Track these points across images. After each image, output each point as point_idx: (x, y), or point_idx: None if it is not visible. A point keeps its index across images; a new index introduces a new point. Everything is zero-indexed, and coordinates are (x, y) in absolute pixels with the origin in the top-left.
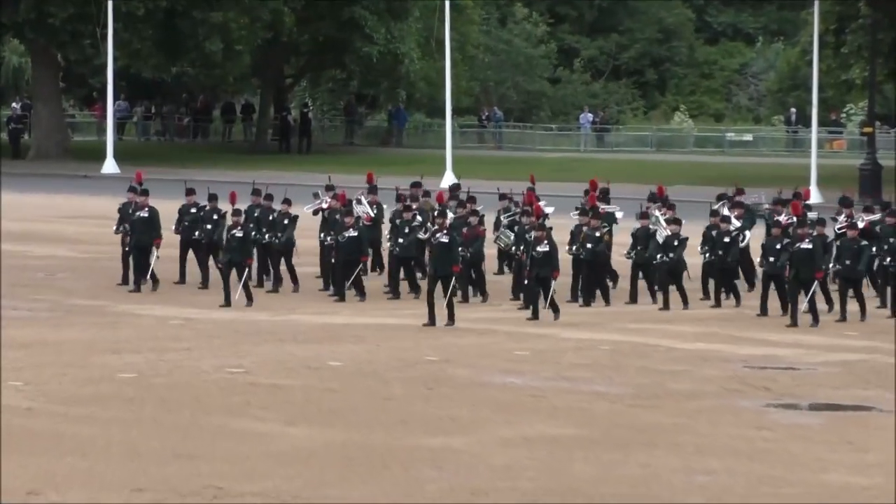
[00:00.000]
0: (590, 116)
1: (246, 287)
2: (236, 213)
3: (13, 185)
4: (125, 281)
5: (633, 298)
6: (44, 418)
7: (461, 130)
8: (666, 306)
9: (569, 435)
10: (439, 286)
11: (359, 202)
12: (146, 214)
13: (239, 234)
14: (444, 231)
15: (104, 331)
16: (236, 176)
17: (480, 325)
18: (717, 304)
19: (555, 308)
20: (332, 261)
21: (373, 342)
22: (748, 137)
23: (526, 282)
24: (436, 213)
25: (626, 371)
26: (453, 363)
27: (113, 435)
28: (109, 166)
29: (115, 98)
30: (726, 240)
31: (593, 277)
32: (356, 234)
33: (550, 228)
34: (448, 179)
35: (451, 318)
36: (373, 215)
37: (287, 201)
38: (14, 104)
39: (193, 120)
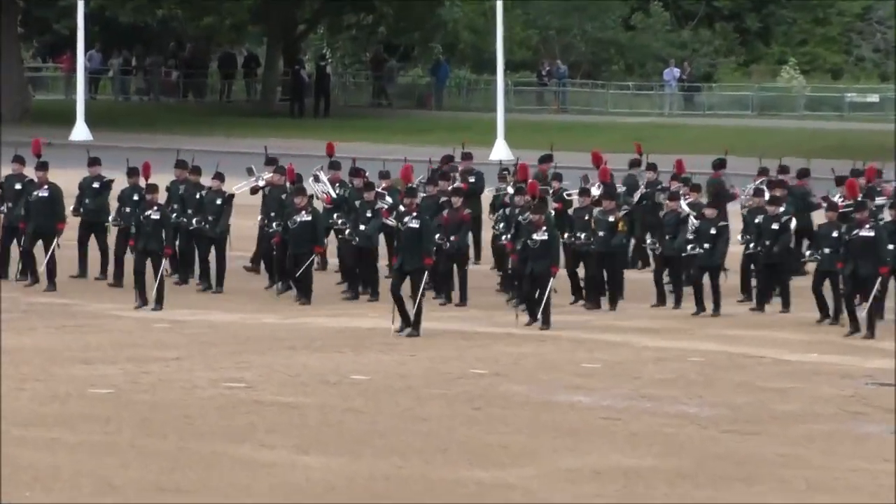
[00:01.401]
0: (676, 72)
1: (160, 284)
2: (151, 189)
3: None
4: (2, 274)
5: (662, 299)
6: None
7: (515, 89)
8: (700, 307)
9: (649, 467)
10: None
11: (317, 179)
12: (46, 194)
13: (155, 216)
14: (414, 214)
15: (71, 336)
16: (238, 144)
17: (538, 331)
18: (760, 307)
19: (546, 317)
20: (274, 252)
21: (406, 351)
22: (873, 98)
23: (507, 275)
24: (403, 193)
25: (721, 388)
26: (506, 377)
27: (82, 464)
28: (80, 132)
29: (87, 48)
30: (774, 226)
31: (602, 274)
32: (310, 218)
33: (551, 213)
34: (500, 150)
35: (416, 324)
36: (334, 196)
37: (219, 176)
38: None
39: (184, 75)
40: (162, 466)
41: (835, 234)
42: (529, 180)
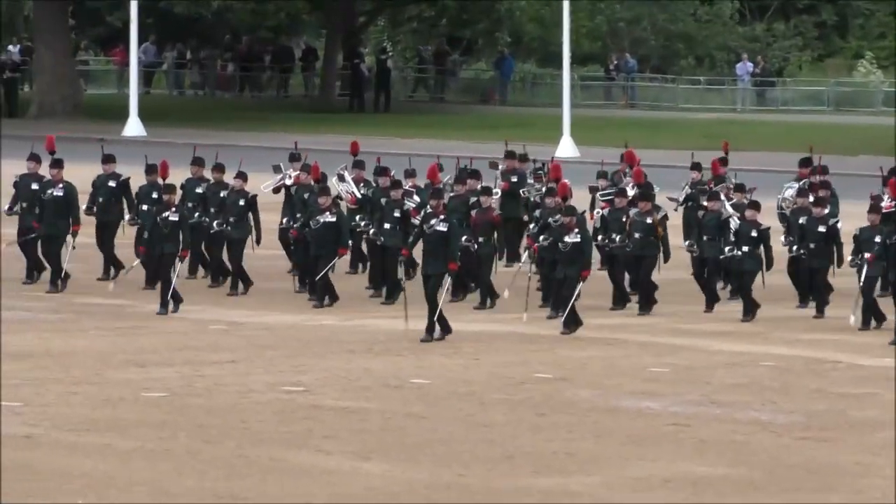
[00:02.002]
0: (749, 66)
1: (173, 288)
2: (169, 189)
3: (7, 151)
4: (31, 277)
5: (715, 298)
6: (47, 449)
7: (582, 84)
8: (750, 315)
9: (720, 475)
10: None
11: (341, 178)
12: (60, 193)
13: (174, 217)
14: (442, 217)
15: (125, 338)
16: (294, 140)
17: (606, 334)
18: (820, 311)
19: (569, 321)
20: (291, 246)
21: (469, 355)
22: None
23: (536, 280)
24: (430, 193)
25: (795, 394)
26: (572, 382)
27: (137, 471)
28: (133, 127)
29: (141, 41)
30: (821, 229)
31: (641, 276)
32: (334, 219)
33: (583, 213)
34: (565, 147)
35: (443, 326)
36: (359, 195)
37: (242, 175)
38: (10, 48)
39: (240, 69)
40: (218, 473)
41: (877, 237)
42: (562, 180)
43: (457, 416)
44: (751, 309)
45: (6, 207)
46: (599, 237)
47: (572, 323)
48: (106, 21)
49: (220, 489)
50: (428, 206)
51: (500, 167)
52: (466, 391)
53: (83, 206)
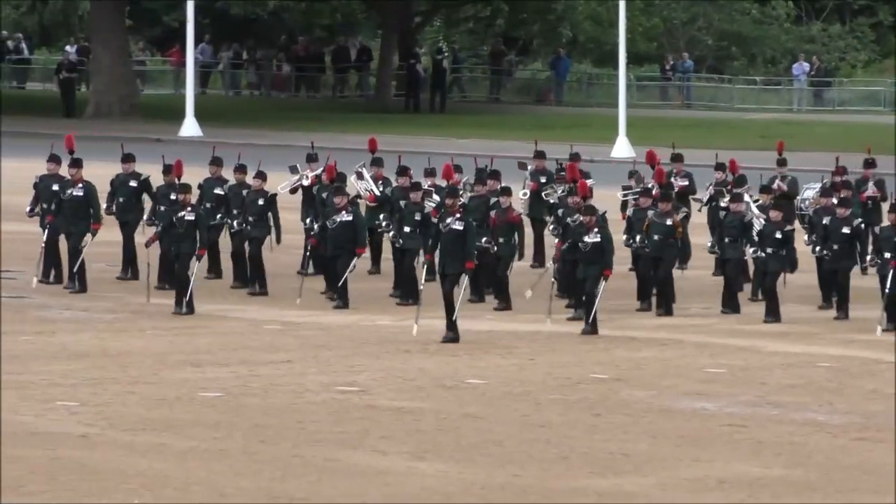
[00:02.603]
0: (805, 66)
1: (185, 284)
2: (184, 189)
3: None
4: (45, 277)
5: (735, 307)
6: (103, 449)
7: (638, 84)
8: (774, 316)
9: (776, 476)
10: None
11: (360, 177)
12: (80, 193)
13: (190, 217)
14: (457, 216)
15: (181, 338)
16: (349, 140)
17: (661, 335)
18: (844, 315)
19: (592, 320)
20: (307, 253)
21: (524, 355)
22: None
23: (556, 277)
24: (446, 192)
25: (852, 395)
26: (627, 383)
27: (192, 471)
28: (189, 127)
29: (197, 41)
30: (845, 230)
31: (651, 276)
32: (350, 219)
33: (604, 213)
34: (621, 147)
35: (453, 329)
36: (378, 193)
37: (261, 175)
38: (67, 48)
39: (296, 69)
40: (273, 474)
41: None
42: (580, 180)
43: (512, 416)
44: (775, 310)
45: (27, 209)
46: (625, 237)
47: (593, 323)
48: (162, 21)
49: (275, 489)
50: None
51: (528, 167)
52: (522, 391)
53: (103, 206)
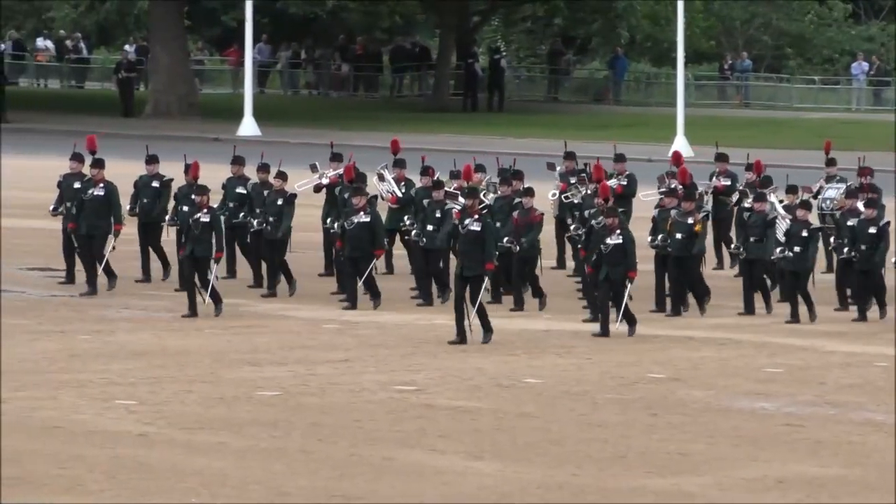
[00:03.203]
0: (864, 66)
1: (213, 289)
2: (201, 190)
3: (122, 150)
4: (70, 279)
5: (750, 308)
6: (161, 448)
7: (696, 83)
8: (794, 318)
9: (834, 476)
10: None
11: (381, 178)
12: (101, 192)
13: (205, 218)
14: (476, 217)
15: (239, 337)
16: (407, 140)
17: (719, 334)
18: (863, 317)
19: (630, 319)
20: (333, 255)
21: (582, 354)
22: None
23: (581, 282)
24: (465, 193)
25: None
26: (685, 383)
27: (251, 470)
28: (248, 127)
29: (255, 40)
30: (871, 230)
31: (683, 279)
32: (368, 220)
33: (623, 211)
34: (679, 146)
35: (486, 328)
36: (400, 195)
37: (282, 175)
38: (126, 47)
39: (355, 69)
40: (331, 473)
41: None
42: (603, 181)
43: (569, 415)
44: (813, 308)
45: (51, 207)
46: (649, 238)
47: (632, 322)
48: (221, 21)
49: (333, 488)
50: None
51: (558, 168)
52: (579, 391)
53: (126, 207)
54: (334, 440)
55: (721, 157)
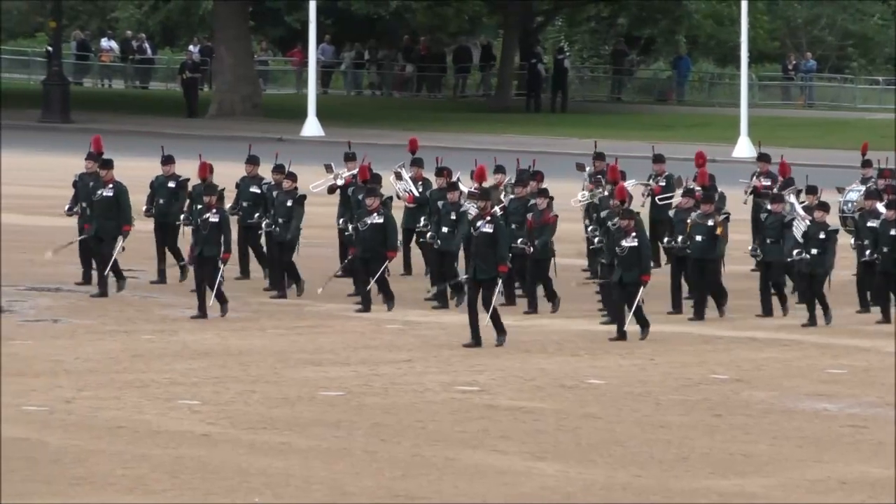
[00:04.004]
0: None
1: (219, 290)
2: (209, 190)
3: (187, 149)
4: (86, 279)
5: (767, 310)
6: (224, 447)
7: (760, 84)
8: (811, 321)
9: None
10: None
11: (398, 177)
12: (110, 193)
13: (214, 219)
14: (488, 218)
15: (303, 337)
16: (470, 140)
17: (783, 335)
18: (886, 318)
19: (643, 322)
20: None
21: (645, 355)
22: None
23: (600, 286)
24: (476, 195)
25: None
26: (749, 384)
27: (314, 470)
28: (311, 127)
29: (319, 41)
30: (893, 232)
31: (703, 282)
32: (381, 221)
33: (638, 214)
34: (742, 147)
35: (499, 330)
36: (417, 194)
37: (292, 175)
38: (190, 48)
39: (418, 69)
40: (394, 473)
41: None
42: (619, 183)
43: (632, 416)
44: (828, 311)
45: (66, 207)
46: (666, 239)
47: (645, 325)
48: (284, 22)
49: (396, 488)
50: (472, 208)
51: (587, 169)
52: (642, 391)
53: (143, 208)
54: (397, 440)
55: (763, 157)
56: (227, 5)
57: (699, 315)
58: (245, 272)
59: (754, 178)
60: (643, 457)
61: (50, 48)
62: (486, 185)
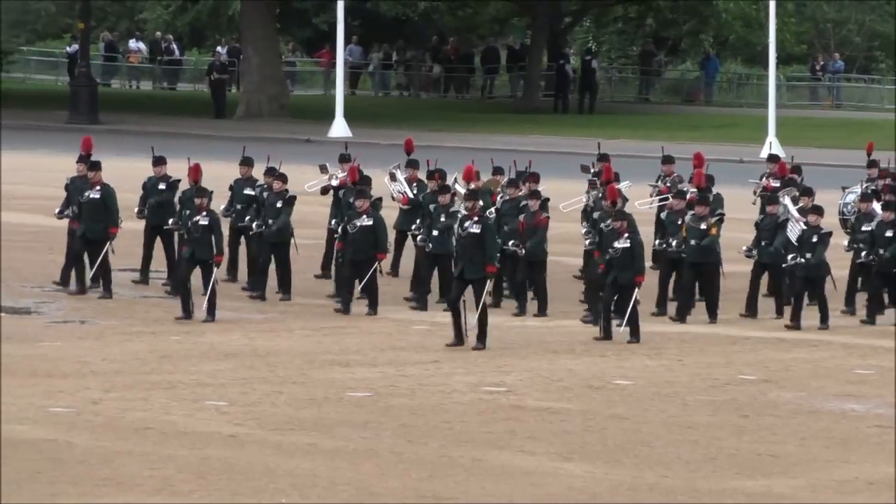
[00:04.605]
0: None
1: (212, 293)
2: (200, 192)
3: (215, 151)
4: (64, 281)
5: (753, 311)
6: (251, 448)
7: (788, 84)
8: (796, 322)
9: None
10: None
11: (393, 178)
12: (97, 195)
13: (204, 221)
14: (475, 219)
15: (330, 338)
16: (498, 141)
17: (811, 336)
18: (871, 319)
19: (634, 327)
20: (340, 259)
21: (673, 356)
22: None
23: (587, 286)
24: (465, 195)
25: None
26: (776, 384)
27: (339, 471)
28: (339, 128)
29: (347, 42)
30: (889, 233)
31: (702, 287)
32: (371, 223)
33: (631, 215)
34: (770, 147)
35: (482, 335)
36: (411, 196)
37: (282, 177)
38: (218, 49)
39: (446, 70)
40: (421, 474)
41: None
42: (612, 184)
43: (659, 417)
44: (828, 316)
45: (57, 210)
46: (657, 241)
47: (636, 330)
48: (312, 23)
49: (424, 489)
50: (463, 209)
51: (592, 170)
52: (669, 392)
53: (135, 209)
54: (424, 441)
55: (773, 158)
56: (254, 6)
57: (682, 317)
58: (233, 275)
59: (764, 178)
60: (670, 457)
61: (69, 49)
62: (472, 186)
